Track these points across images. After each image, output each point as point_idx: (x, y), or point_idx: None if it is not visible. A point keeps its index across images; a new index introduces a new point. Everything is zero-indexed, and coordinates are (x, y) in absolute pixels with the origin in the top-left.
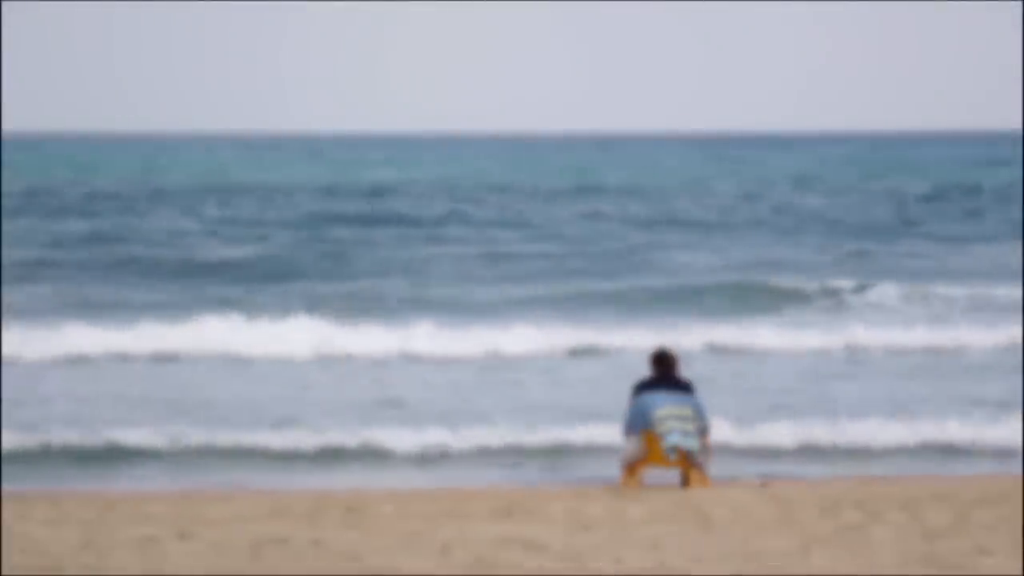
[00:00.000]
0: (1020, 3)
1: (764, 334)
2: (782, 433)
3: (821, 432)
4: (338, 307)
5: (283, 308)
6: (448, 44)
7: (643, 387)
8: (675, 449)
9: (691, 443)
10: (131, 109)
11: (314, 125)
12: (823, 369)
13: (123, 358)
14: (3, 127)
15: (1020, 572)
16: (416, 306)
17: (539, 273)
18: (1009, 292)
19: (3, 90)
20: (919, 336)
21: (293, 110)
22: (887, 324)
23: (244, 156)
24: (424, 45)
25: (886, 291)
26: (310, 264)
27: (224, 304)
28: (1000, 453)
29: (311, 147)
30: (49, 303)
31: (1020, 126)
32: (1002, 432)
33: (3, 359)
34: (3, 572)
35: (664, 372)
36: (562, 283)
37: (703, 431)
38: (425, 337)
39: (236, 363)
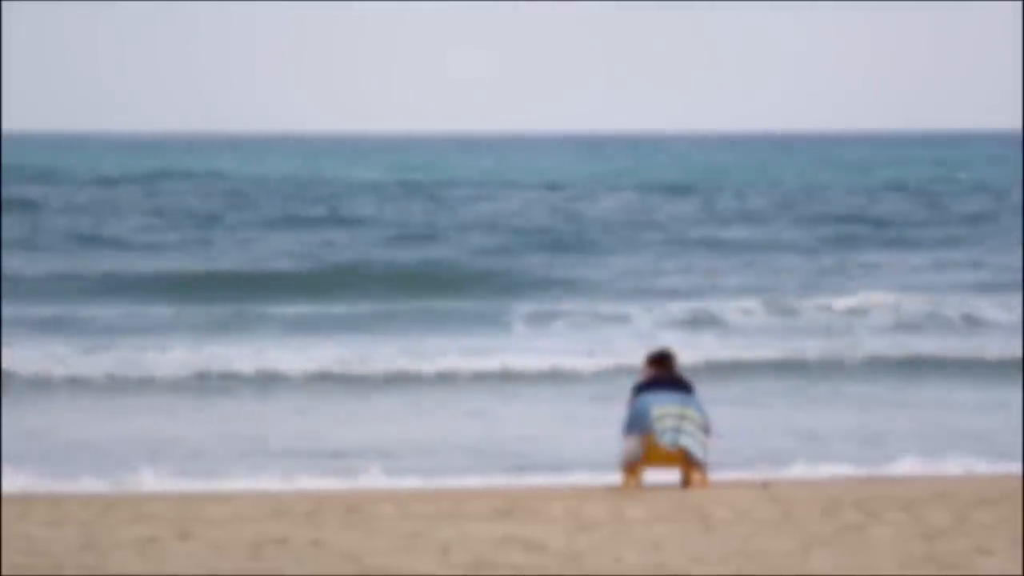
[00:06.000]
0: (1020, 3)
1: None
2: None
3: None
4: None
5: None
6: (452, 44)
7: (643, 387)
8: (675, 444)
9: (689, 441)
10: (130, 109)
11: (311, 125)
12: None
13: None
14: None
15: (1020, 572)
16: None
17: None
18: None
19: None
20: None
21: (299, 110)
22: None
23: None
24: (423, 44)
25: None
26: None
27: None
28: None
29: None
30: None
31: (1020, 126)
32: None
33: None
34: (3, 572)
35: (664, 372)
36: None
37: (706, 430)
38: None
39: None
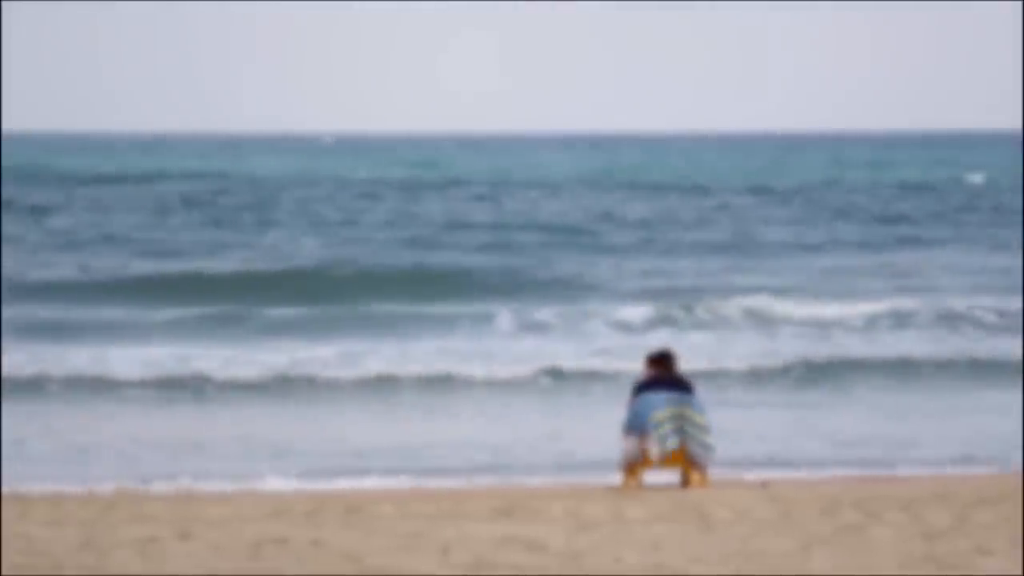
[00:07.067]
0: (1020, 3)
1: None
2: None
3: None
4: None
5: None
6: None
7: (643, 387)
8: (671, 452)
9: (691, 442)
10: (130, 109)
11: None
12: None
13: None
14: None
15: (1020, 572)
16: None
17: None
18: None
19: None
20: None
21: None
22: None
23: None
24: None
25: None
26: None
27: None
28: None
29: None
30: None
31: (1020, 126)
32: None
33: None
34: (3, 572)
35: (664, 371)
36: None
37: (707, 429)
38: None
39: None
